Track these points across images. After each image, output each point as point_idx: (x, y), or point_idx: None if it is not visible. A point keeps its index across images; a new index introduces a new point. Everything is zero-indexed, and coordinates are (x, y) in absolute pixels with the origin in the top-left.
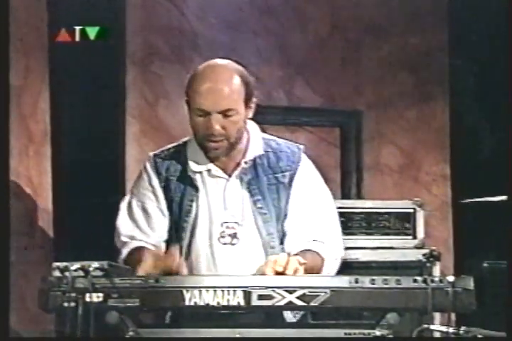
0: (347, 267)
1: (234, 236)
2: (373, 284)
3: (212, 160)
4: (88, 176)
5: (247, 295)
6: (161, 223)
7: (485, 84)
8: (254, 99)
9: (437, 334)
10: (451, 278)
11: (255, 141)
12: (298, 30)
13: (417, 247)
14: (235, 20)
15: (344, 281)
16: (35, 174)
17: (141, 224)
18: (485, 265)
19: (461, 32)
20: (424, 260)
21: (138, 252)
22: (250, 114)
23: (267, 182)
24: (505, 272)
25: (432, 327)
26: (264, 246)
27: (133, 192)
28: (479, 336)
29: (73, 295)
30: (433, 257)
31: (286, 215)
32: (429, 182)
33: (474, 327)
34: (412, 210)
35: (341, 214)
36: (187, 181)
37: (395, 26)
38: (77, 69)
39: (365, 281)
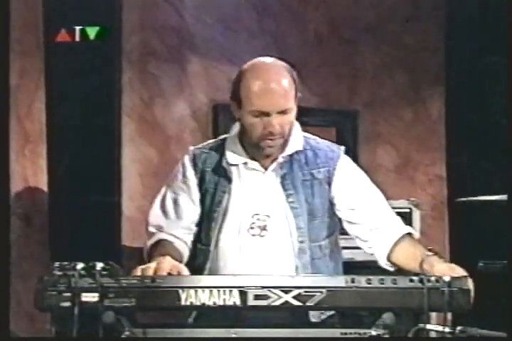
0: (343, 267)
1: (263, 228)
2: (369, 284)
3: (251, 155)
4: (84, 176)
5: (243, 295)
6: (191, 213)
7: (481, 83)
8: (299, 94)
9: (433, 334)
10: (447, 278)
11: (296, 137)
12: (294, 30)
13: None
14: (231, 20)
15: (340, 281)
16: (31, 174)
17: (170, 214)
18: (481, 264)
19: (457, 32)
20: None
21: (158, 248)
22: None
23: (301, 177)
24: (500, 272)
25: (428, 326)
26: (292, 240)
27: (168, 184)
28: (478, 336)
29: (69, 294)
30: None
31: (353, 209)
32: (425, 182)
33: (470, 327)
34: (408, 210)
35: None
36: (221, 173)
37: (391, 26)
38: (72, 69)
39: (361, 281)
